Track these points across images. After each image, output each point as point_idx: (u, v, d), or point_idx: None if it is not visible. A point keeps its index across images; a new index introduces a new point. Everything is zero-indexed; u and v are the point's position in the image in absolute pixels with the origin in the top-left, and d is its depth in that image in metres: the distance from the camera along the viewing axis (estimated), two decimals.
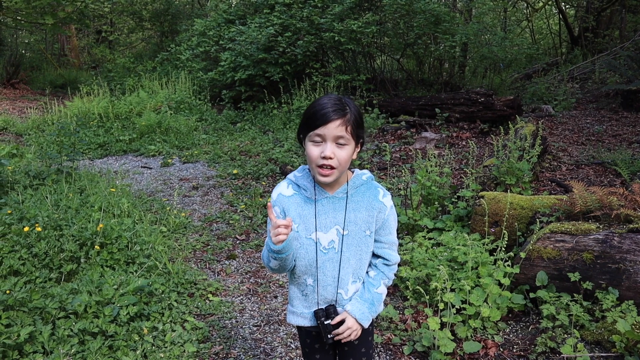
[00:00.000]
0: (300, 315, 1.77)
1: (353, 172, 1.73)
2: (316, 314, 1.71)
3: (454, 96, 7.70)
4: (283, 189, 1.72)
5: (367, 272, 1.79)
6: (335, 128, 1.55)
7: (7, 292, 2.82)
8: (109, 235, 3.68)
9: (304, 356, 1.90)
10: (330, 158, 1.56)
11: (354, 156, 1.64)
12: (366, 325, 1.73)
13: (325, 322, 1.69)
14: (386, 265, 1.78)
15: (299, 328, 1.85)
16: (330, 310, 1.70)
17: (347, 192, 1.69)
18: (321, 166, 1.58)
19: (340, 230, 1.68)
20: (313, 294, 1.73)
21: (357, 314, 1.71)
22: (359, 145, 1.65)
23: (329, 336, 1.69)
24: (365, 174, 1.74)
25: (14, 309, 2.72)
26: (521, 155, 4.74)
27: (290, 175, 1.75)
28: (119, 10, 16.63)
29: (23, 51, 16.37)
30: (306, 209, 1.68)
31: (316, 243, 1.68)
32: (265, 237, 4.36)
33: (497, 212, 3.63)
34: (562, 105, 8.57)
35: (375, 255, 1.79)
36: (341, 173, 1.62)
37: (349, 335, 1.70)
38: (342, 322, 1.71)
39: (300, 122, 1.63)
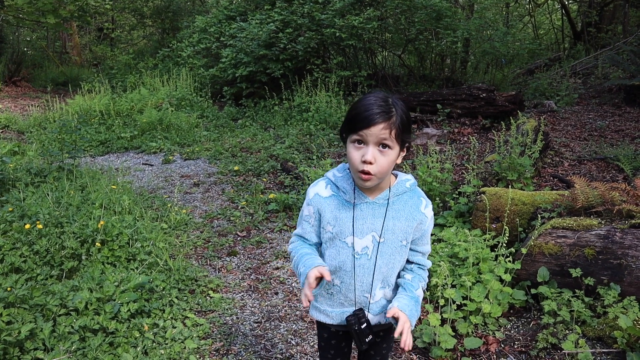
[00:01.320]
0: (323, 312, 1.74)
1: (396, 175, 1.65)
2: (348, 321, 1.65)
3: (455, 92, 7.66)
4: (321, 189, 1.66)
5: (403, 276, 1.73)
6: (378, 132, 1.45)
7: (9, 289, 2.82)
8: (110, 233, 3.68)
9: (320, 349, 1.88)
10: (371, 163, 1.47)
11: (399, 161, 1.55)
12: (413, 325, 1.63)
13: (362, 327, 1.64)
14: (421, 269, 1.74)
15: (318, 322, 1.82)
16: (360, 315, 1.66)
17: (388, 199, 1.62)
18: (362, 171, 1.50)
19: (376, 237, 1.62)
20: (339, 294, 1.70)
21: (407, 310, 1.60)
22: (404, 150, 1.55)
23: (366, 340, 1.64)
24: (410, 180, 1.66)
25: (15, 306, 2.72)
26: (523, 151, 4.72)
27: (330, 174, 1.68)
28: (120, 7, 16.61)
29: (25, 49, 16.37)
30: (343, 212, 1.62)
31: (349, 247, 1.63)
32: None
33: (499, 208, 3.62)
34: (565, 101, 8.54)
35: (409, 262, 1.74)
36: (381, 180, 1.55)
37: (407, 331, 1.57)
38: (370, 326, 1.66)
39: (344, 121, 1.56)
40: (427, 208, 1.67)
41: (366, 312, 1.69)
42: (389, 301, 1.73)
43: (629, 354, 2.50)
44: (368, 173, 1.49)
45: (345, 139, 1.57)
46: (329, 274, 1.55)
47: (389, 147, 1.49)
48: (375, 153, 1.48)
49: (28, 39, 17.29)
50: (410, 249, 1.71)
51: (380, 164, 1.49)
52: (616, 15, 13.35)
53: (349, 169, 1.64)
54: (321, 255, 1.73)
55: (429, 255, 3.45)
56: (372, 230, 1.62)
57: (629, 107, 7.94)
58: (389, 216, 1.62)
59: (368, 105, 1.48)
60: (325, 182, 1.68)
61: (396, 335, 1.56)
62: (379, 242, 1.63)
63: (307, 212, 1.69)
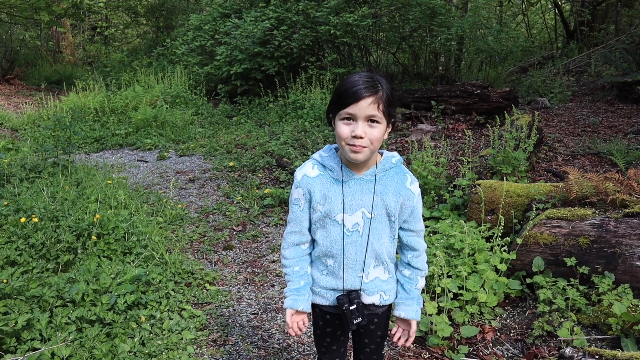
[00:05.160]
0: (318, 294, 1.74)
1: (382, 154, 1.68)
2: (339, 300, 1.68)
3: (449, 88, 7.70)
4: (308, 170, 1.67)
5: (401, 271, 1.77)
6: (367, 106, 1.49)
7: (5, 281, 2.81)
8: (106, 226, 3.67)
9: (315, 338, 1.89)
10: (361, 137, 1.51)
11: (385, 136, 1.59)
12: (419, 317, 1.76)
13: (351, 308, 1.66)
14: (416, 257, 1.75)
15: (314, 309, 1.82)
16: (352, 296, 1.67)
17: (375, 175, 1.64)
18: (352, 144, 1.53)
19: (366, 213, 1.63)
20: (332, 275, 1.70)
21: (413, 315, 1.73)
22: (391, 125, 1.60)
23: (354, 322, 1.66)
24: (395, 156, 1.68)
25: (11, 297, 2.72)
26: (517, 145, 4.75)
27: (315, 155, 1.70)
28: (113, 5, 16.55)
29: (18, 47, 16.27)
30: (332, 190, 1.63)
31: (340, 225, 1.64)
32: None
33: (494, 200, 3.64)
34: (558, 98, 8.59)
35: (404, 247, 1.75)
36: (372, 152, 1.57)
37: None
38: (361, 308, 1.68)
39: (330, 101, 1.59)
40: (412, 184, 1.68)
41: (361, 293, 1.70)
42: (385, 282, 1.74)
43: (624, 340, 2.52)
44: (360, 146, 1.52)
45: (332, 119, 1.59)
46: (304, 320, 1.74)
47: (378, 121, 1.53)
48: (365, 127, 1.52)
49: (21, 37, 17.18)
50: (404, 229, 1.72)
51: (371, 137, 1.52)
52: (608, 14, 13.45)
53: (335, 148, 1.68)
54: (312, 239, 1.74)
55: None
56: (361, 207, 1.63)
57: (622, 103, 7.99)
58: (377, 191, 1.64)
59: (354, 82, 1.52)
60: (312, 162, 1.69)
61: (400, 343, 1.79)
62: (369, 219, 1.64)
63: (297, 195, 1.69)
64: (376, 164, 1.65)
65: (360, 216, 1.64)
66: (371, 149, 1.55)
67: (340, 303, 1.67)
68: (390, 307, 1.85)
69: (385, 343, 2.10)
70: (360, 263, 1.67)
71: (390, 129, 1.61)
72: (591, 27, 12.87)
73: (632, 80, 7.92)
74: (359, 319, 1.67)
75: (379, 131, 1.53)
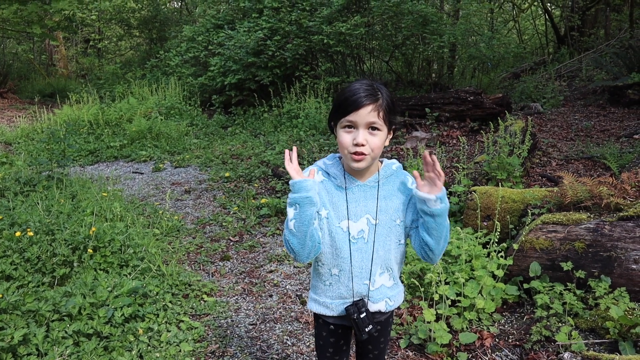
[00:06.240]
0: (323, 304, 1.73)
1: (382, 162, 1.70)
2: (347, 311, 1.67)
3: (443, 95, 7.74)
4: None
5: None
6: (367, 114, 1.51)
7: (0, 296, 2.79)
8: (102, 239, 3.66)
9: (317, 348, 1.88)
10: (363, 145, 1.52)
11: (387, 143, 1.60)
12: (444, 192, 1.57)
13: (361, 316, 1.65)
14: None
15: (317, 319, 1.82)
16: (360, 305, 1.67)
17: (378, 181, 1.65)
18: (354, 153, 1.54)
19: (371, 219, 1.64)
20: (338, 284, 1.69)
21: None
22: (392, 132, 1.61)
23: (366, 330, 1.65)
24: (395, 163, 1.71)
25: (7, 312, 2.70)
26: (511, 151, 4.78)
27: (320, 162, 1.71)
28: (106, 18, 16.59)
29: (11, 61, 16.27)
30: (336, 196, 1.64)
31: (345, 232, 1.64)
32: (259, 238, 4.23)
33: (489, 206, 3.66)
34: (551, 103, 8.66)
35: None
36: (374, 160, 1.59)
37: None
38: (370, 315, 1.66)
39: (331, 109, 1.61)
40: (414, 184, 1.67)
41: (366, 301, 1.70)
42: (390, 288, 1.74)
43: (621, 343, 2.53)
44: (361, 154, 1.54)
45: (334, 127, 1.61)
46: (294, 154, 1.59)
47: (378, 129, 1.54)
48: (366, 135, 1.53)
49: (14, 51, 17.19)
50: (415, 227, 1.67)
51: (372, 144, 1.54)
52: (598, 19, 13.61)
53: (339, 157, 1.69)
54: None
55: None
56: (366, 213, 1.64)
57: (614, 107, 8.07)
58: (381, 196, 1.65)
59: (355, 90, 1.54)
60: (317, 169, 1.70)
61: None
62: (374, 225, 1.64)
63: None
64: (378, 171, 1.67)
65: (365, 223, 1.64)
66: (372, 157, 1.56)
67: (349, 313, 1.67)
68: (392, 313, 1.86)
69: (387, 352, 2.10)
70: (367, 270, 1.67)
71: (391, 136, 1.62)
72: (581, 32, 13.02)
73: (623, 84, 8.01)
74: (370, 327, 1.67)
75: (380, 139, 1.55)
